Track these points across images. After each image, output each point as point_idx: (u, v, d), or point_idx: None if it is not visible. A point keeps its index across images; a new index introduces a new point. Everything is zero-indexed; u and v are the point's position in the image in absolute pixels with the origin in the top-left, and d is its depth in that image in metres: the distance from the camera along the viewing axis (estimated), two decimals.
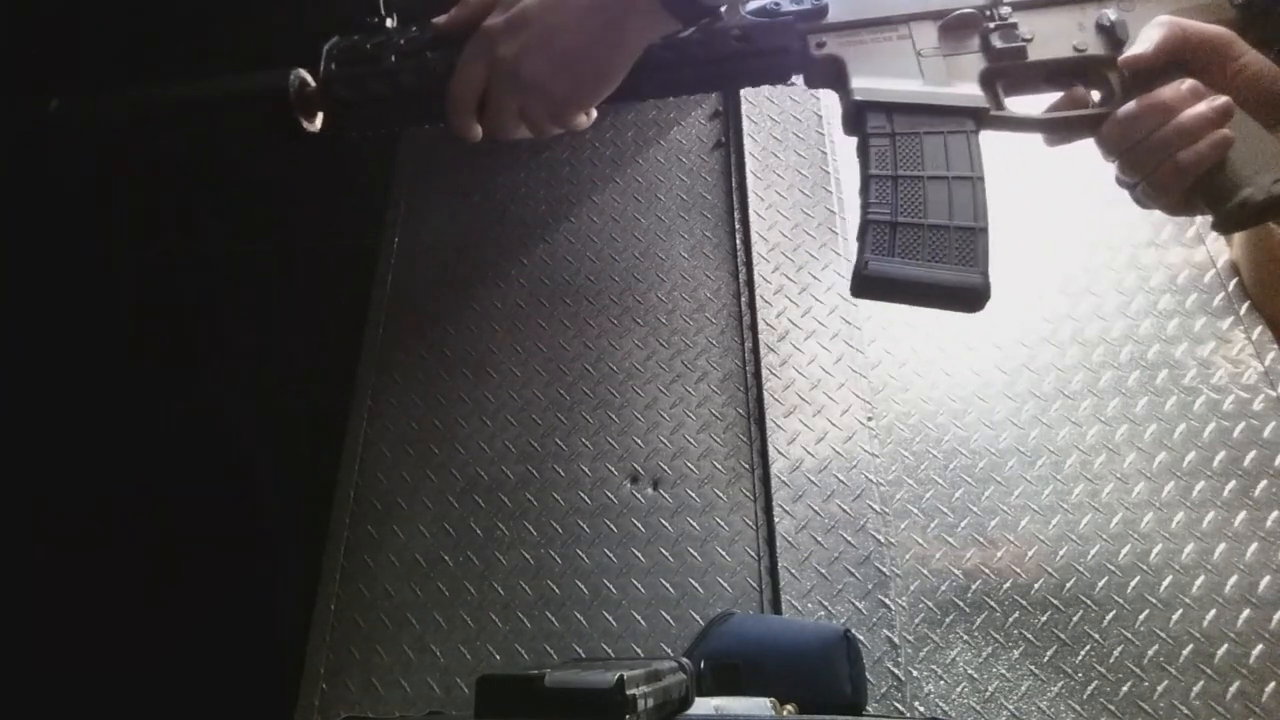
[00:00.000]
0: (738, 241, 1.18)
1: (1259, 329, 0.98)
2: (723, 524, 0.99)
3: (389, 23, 0.63)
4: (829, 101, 1.26)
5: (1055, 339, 1.02)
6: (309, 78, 0.62)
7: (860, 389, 1.02)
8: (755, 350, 1.08)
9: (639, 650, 0.93)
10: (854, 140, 0.60)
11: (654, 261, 1.20)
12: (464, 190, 1.34)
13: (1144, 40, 0.57)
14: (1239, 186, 0.53)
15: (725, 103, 1.31)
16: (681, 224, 1.23)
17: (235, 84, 0.63)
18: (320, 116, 0.64)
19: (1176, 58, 0.56)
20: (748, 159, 1.22)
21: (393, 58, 0.61)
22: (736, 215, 1.20)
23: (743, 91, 1.28)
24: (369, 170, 1.44)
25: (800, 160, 1.21)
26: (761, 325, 1.09)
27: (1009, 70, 0.60)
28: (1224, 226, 0.55)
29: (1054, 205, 1.10)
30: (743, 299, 1.14)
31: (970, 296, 0.55)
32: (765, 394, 1.04)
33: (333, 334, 1.34)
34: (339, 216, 1.67)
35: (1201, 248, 1.05)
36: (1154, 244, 1.07)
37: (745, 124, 1.25)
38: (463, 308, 1.22)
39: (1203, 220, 1.07)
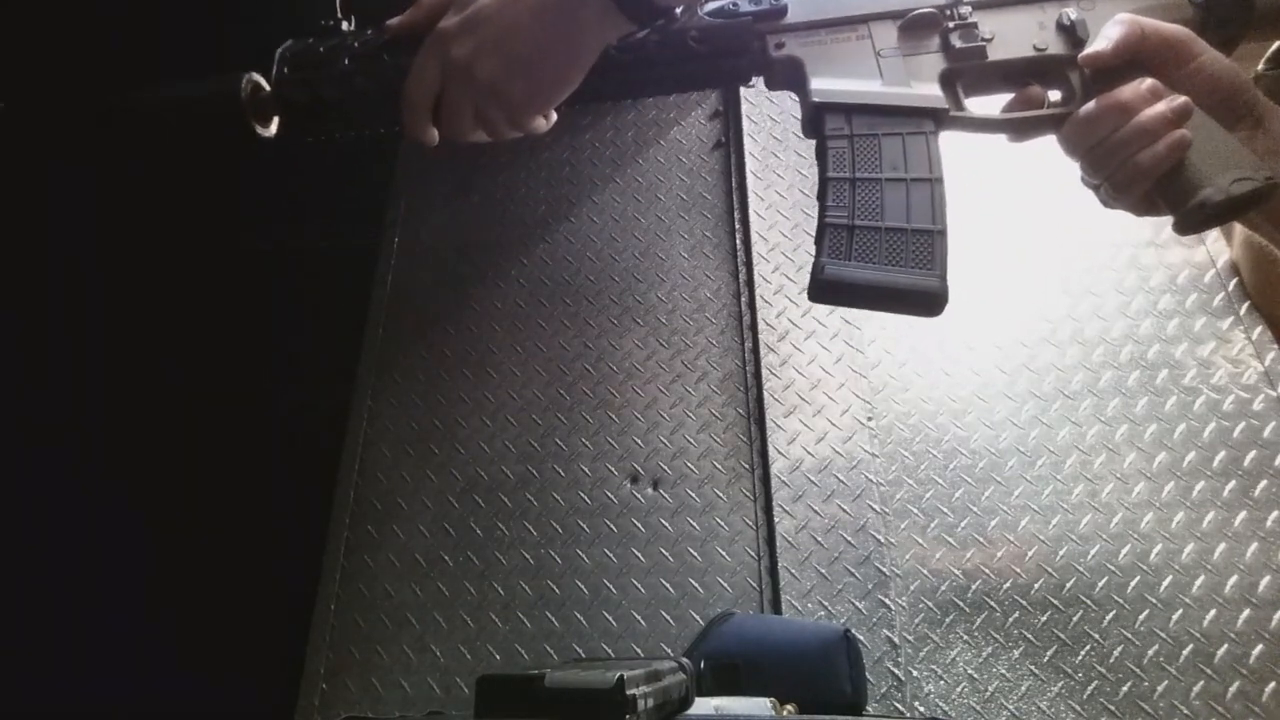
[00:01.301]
0: (738, 241, 1.18)
1: (1259, 329, 0.98)
2: (723, 524, 0.99)
3: (345, 26, 0.62)
4: None
5: (1055, 339, 1.02)
6: (262, 81, 0.61)
7: (860, 389, 1.02)
8: (755, 350, 1.08)
9: (639, 650, 0.93)
10: (814, 143, 0.59)
11: (654, 261, 1.20)
12: (464, 190, 1.34)
13: (1103, 38, 0.56)
14: (1198, 187, 0.53)
15: (725, 103, 1.31)
16: (681, 224, 1.23)
17: (187, 88, 0.61)
18: (275, 121, 0.62)
19: (1135, 56, 0.56)
20: (748, 159, 1.22)
21: (346, 60, 0.60)
22: (736, 215, 1.20)
23: (743, 91, 1.28)
24: (369, 170, 1.44)
25: (800, 160, 1.21)
26: (761, 325, 1.09)
27: (969, 70, 0.59)
28: (1184, 228, 0.55)
29: (1054, 205, 1.10)
30: (743, 299, 1.14)
31: (928, 300, 0.54)
32: (765, 394, 1.04)
33: (333, 334, 1.34)
34: (339, 216, 1.67)
35: (1201, 248, 1.05)
36: (1154, 244, 1.07)
37: (745, 124, 1.25)
38: (463, 308, 1.22)
39: None
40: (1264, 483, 0.90)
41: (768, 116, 1.25)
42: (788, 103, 1.26)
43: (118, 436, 1.69)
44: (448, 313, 1.22)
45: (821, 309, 1.09)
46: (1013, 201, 1.11)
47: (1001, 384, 1.00)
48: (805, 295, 1.08)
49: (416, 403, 1.16)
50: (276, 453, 1.62)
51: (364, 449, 1.13)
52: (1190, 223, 0.54)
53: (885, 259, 0.54)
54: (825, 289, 0.55)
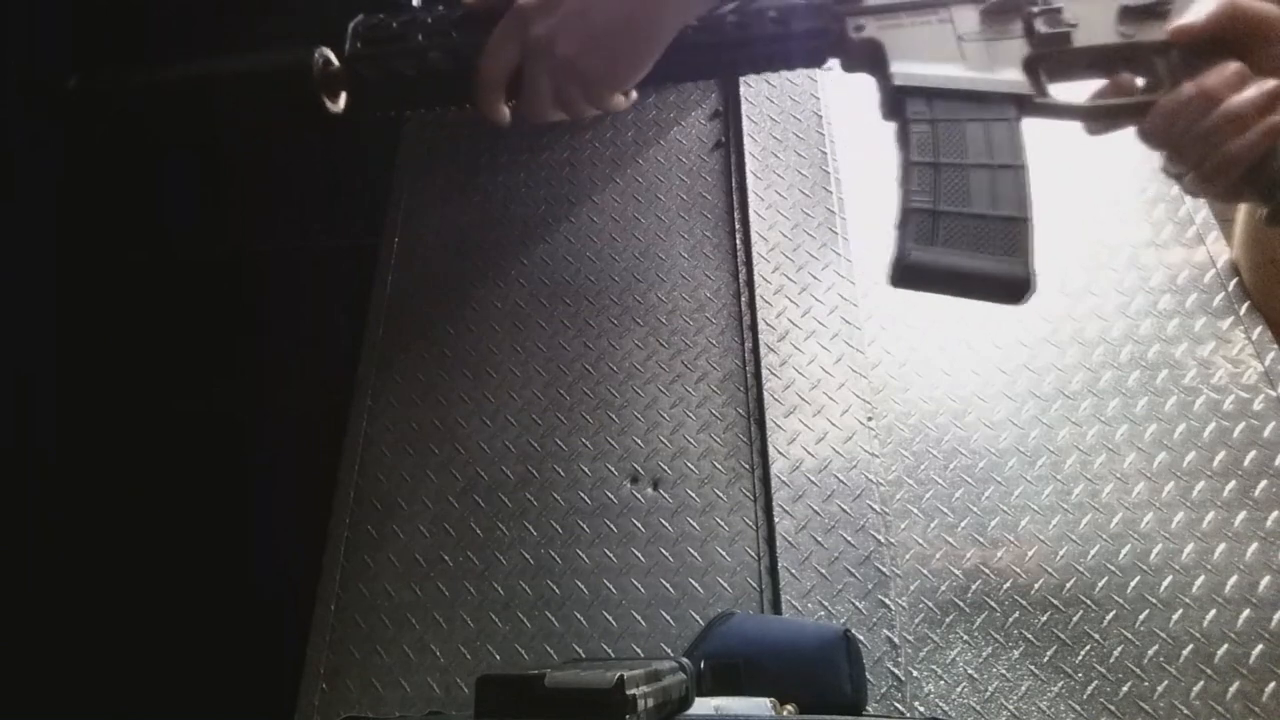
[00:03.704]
0: (738, 241, 1.18)
1: (1259, 329, 0.98)
2: (723, 524, 0.99)
3: (416, 1, 0.63)
4: (829, 101, 1.26)
5: (1055, 339, 1.02)
6: (333, 56, 0.61)
7: (860, 389, 1.02)
8: (755, 350, 1.08)
9: (639, 650, 0.93)
10: (893, 126, 0.58)
11: (654, 261, 1.20)
12: (464, 190, 1.34)
13: (1195, 11, 0.55)
14: None
15: (725, 103, 1.31)
16: (681, 224, 1.22)
17: (257, 61, 0.61)
18: (344, 97, 0.62)
19: (1226, 34, 0.54)
20: (748, 159, 1.22)
21: (420, 36, 0.60)
22: (736, 215, 1.20)
23: (743, 91, 1.28)
24: (369, 170, 1.44)
25: (800, 160, 1.21)
26: (761, 325, 1.09)
27: (1053, 56, 0.58)
28: (1278, 219, 0.53)
29: (1053, 204, 1.10)
30: (743, 299, 1.14)
31: (1015, 287, 0.53)
32: (765, 394, 1.04)
33: (333, 334, 1.34)
34: (339, 216, 1.67)
35: (1201, 248, 1.05)
36: (1154, 244, 1.07)
37: (745, 124, 1.25)
38: (463, 308, 1.22)
39: (1203, 220, 1.07)
40: (1264, 483, 0.90)
41: (768, 116, 1.25)
42: (788, 103, 1.26)
43: (117, 437, 1.69)
44: (448, 313, 1.22)
45: (821, 309, 1.09)
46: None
47: (1001, 384, 1.00)
48: (807, 294, 1.09)
49: (416, 403, 1.16)
50: (276, 453, 1.61)
51: (364, 449, 1.13)
52: None
53: (972, 245, 0.53)
54: (911, 274, 0.54)
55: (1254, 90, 0.52)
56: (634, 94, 0.62)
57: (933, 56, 0.58)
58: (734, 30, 0.59)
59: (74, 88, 0.62)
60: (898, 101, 0.58)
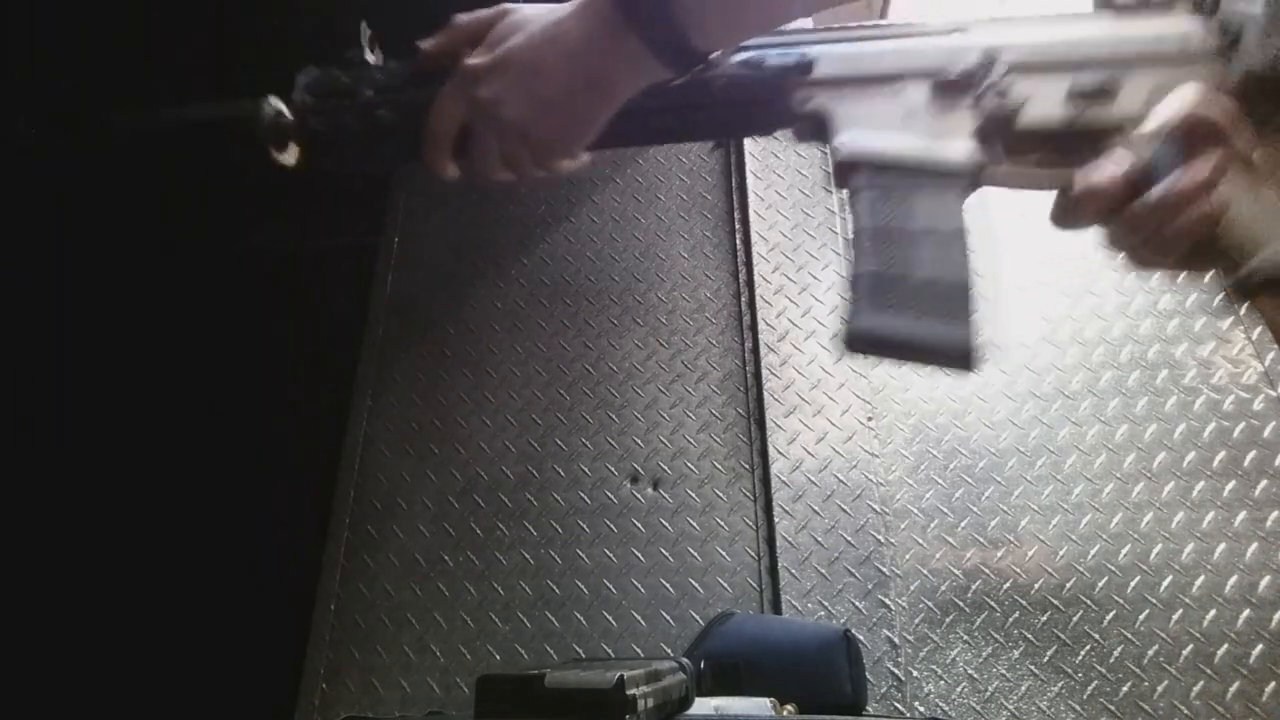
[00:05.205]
0: (738, 241, 1.18)
1: (1259, 329, 0.98)
2: (723, 524, 0.99)
3: (370, 58, 0.62)
4: None
5: (1055, 339, 1.02)
6: (284, 108, 0.60)
7: (860, 389, 1.02)
8: (755, 350, 1.08)
9: (639, 650, 0.93)
10: (844, 194, 0.60)
11: (654, 261, 1.20)
12: (464, 190, 1.34)
13: (1156, 113, 0.55)
14: (1252, 255, 0.52)
15: None
16: (681, 224, 1.22)
17: (206, 111, 0.62)
18: (293, 149, 0.62)
19: (1191, 135, 0.55)
20: (748, 159, 1.22)
21: (370, 92, 0.60)
22: (736, 215, 1.20)
23: None
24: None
25: (800, 160, 1.21)
26: (761, 325, 1.09)
27: (1001, 132, 0.59)
28: (1238, 295, 0.54)
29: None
30: (743, 299, 1.14)
31: (963, 356, 0.54)
32: (765, 394, 1.04)
33: (333, 334, 1.34)
34: (339, 216, 1.67)
35: None
36: None
37: None
38: (463, 308, 1.22)
39: None
40: (1264, 483, 0.90)
41: None
42: None
43: (118, 437, 1.69)
44: (448, 313, 1.22)
45: (821, 309, 1.09)
46: (1010, 201, 1.11)
47: (1001, 384, 1.00)
48: (807, 294, 1.09)
49: (416, 402, 1.16)
50: (277, 453, 1.62)
51: (364, 449, 1.13)
52: (1244, 289, 0.53)
53: (920, 312, 0.54)
54: (860, 341, 0.54)
55: (1202, 164, 0.51)
56: (584, 156, 0.62)
57: (882, 128, 0.59)
58: (683, 99, 0.59)
59: (20, 130, 0.62)
60: (848, 172, 0.58)
